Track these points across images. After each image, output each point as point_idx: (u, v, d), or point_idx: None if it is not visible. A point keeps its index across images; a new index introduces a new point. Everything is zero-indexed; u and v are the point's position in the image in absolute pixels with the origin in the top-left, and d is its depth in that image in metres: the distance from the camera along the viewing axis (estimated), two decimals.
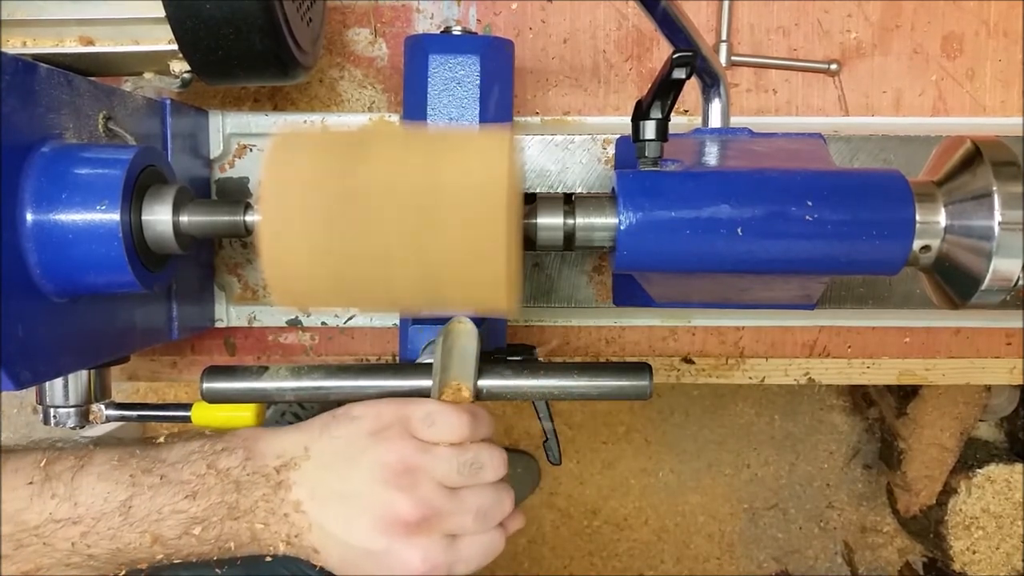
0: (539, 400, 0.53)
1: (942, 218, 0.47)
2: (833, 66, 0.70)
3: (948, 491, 1.46)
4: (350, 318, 0.72)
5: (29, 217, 0.45)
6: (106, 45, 0.52)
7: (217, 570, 0.49)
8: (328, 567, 0.46)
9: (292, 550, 0.46)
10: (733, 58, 0.70)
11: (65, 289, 0.47)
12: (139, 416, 0.62)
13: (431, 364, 0.50)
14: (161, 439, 0.49)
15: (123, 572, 0.47)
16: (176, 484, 0.45)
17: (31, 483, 0.45)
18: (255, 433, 0.48)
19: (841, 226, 0.46)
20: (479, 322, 0.56)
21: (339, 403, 0.50)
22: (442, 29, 0.58)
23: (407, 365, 0.52)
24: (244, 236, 0.51)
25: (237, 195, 0.68)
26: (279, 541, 0.45)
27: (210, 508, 0.45)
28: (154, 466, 0.46)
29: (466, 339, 0.49)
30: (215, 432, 0.49)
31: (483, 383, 0.49)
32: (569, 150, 0.66)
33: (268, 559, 0.47)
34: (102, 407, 0.60)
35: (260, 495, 0.45)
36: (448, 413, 0.46)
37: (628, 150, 0.55)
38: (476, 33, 0.64)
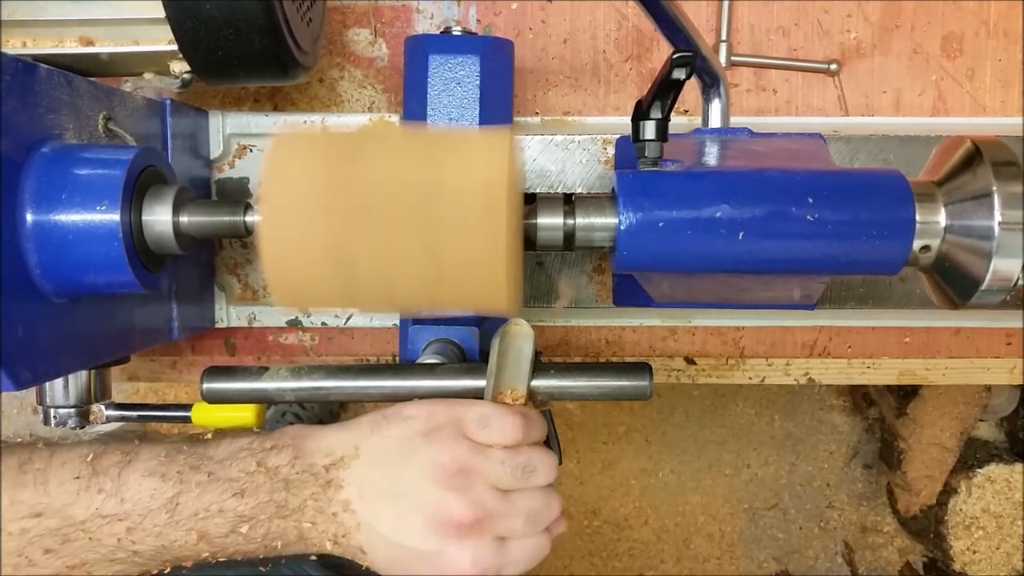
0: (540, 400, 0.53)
1: (942, 218, 0.47)
2: (833, 66, 0.70)
3: (948, 491, 1.46)
4: (349, 318, 0.72)
5: (29, 217, 0.45)
6: (106, 46, 0.52)
7: (265, 569, 0.49)
8: (375, 567, 0.46)
9: (339, 549, 0.46)
10: (733, 58, 0.70)
11: (65, 289, 0.47)
12: (139, 416, 0.62)
13: (439, 364, 0.50)
14: (209, 435, 0.48)
15: (168, 569, 0.47)
16: (224, 482, 0.45)
17: (78, 477, 0.44)
18: (304, 431, 0.48)
19: (841, 226, 0.46)
20: (479, 321, 0.56)
21: (340, 403, 0.50)
22: (442, 29, 0.59)
23: (410, 365, 0.52)
24: (244, 236, 0.51)
25: (237, 195, 0.68)
26: (326, 540, 0.45)
27: (258, 506, 0.45)
28: (201, 463, 0.46)
29: (522, 341, 0.49)
30: (263, 430, 0.49)
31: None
32: (569, 150, 0.66)
33: (313, 558, 0.46)
34: (102, 407, 0.60)
35: (309, 494, 0.45)
36: (503, 416, 0.46)
37: (628, 150, 0.55)
38: (476, 33, 0.64)
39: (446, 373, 0.50)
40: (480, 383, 0.49)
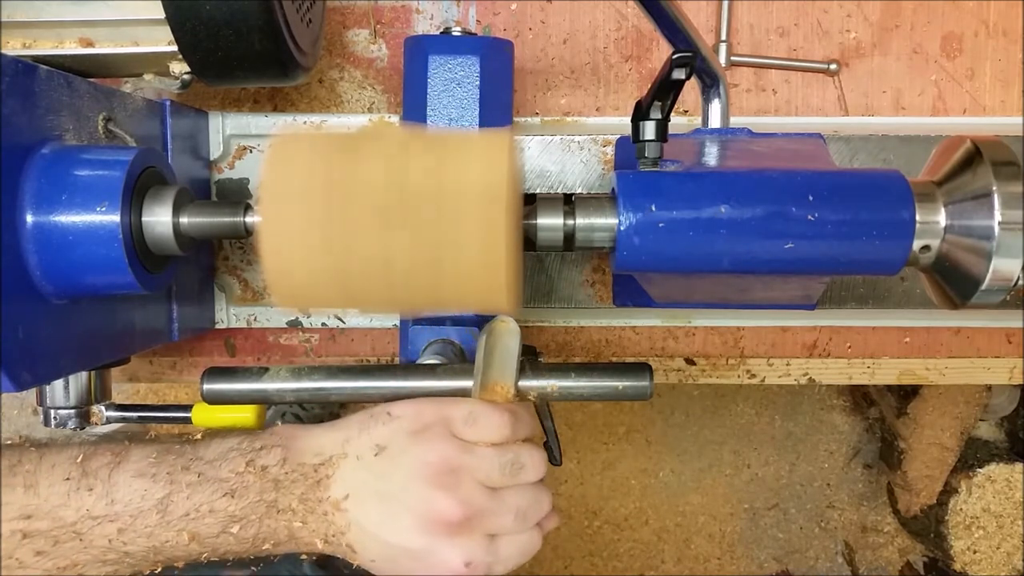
0: (540, 401, 0.53)
1: (942, 218, 0.47)
2: (833, 66, 0.70)
3: (949, 491, 1.46)
4: (341, 317, 0.72)
5: (29, 219, 0.45)
6: (106, 47, 0.52)
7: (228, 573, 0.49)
8: (365, 566, 0.46)
9: (330, 548, 0.46)
10: (733, 58, 0.70)
11: (65, 290, 0.47)
12: (139, 417, 0.62)
13: (439, 364, 0.50)
14: (199, 436, 0.48)
15: (159, 569, 0.47)
16: (214, 482, 0.45)
17: (68, 479, 0.45)
18: (293, 431, 0.48)
19: (841, 226, 0.46)
20: (479, 322, 0.56)
21: (341, 404, 0.50)
22: (442, 30, 0.58)
23: (410, 366, 0.52)
24: (244, 237, 0.51)
25: (237, 196, 0.68)
26: (317, 539, 0.45)
27: (248, 506, 0.45)
28: (192, 463, 0.46)
29: (508, 338, 0.49)
30: (253, 430, 0.49)
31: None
32: (569, 151, 0.66)
33: (304, 558, 0.46)
34: (102, 408, 0.60)
35: (299, 493, 0.45)
36: (490, 413, 0.46)
37: (628, 150, 0.55)
38: (475, 34, 0.64)
39: (446, 374, 0.50)
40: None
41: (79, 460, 0.45)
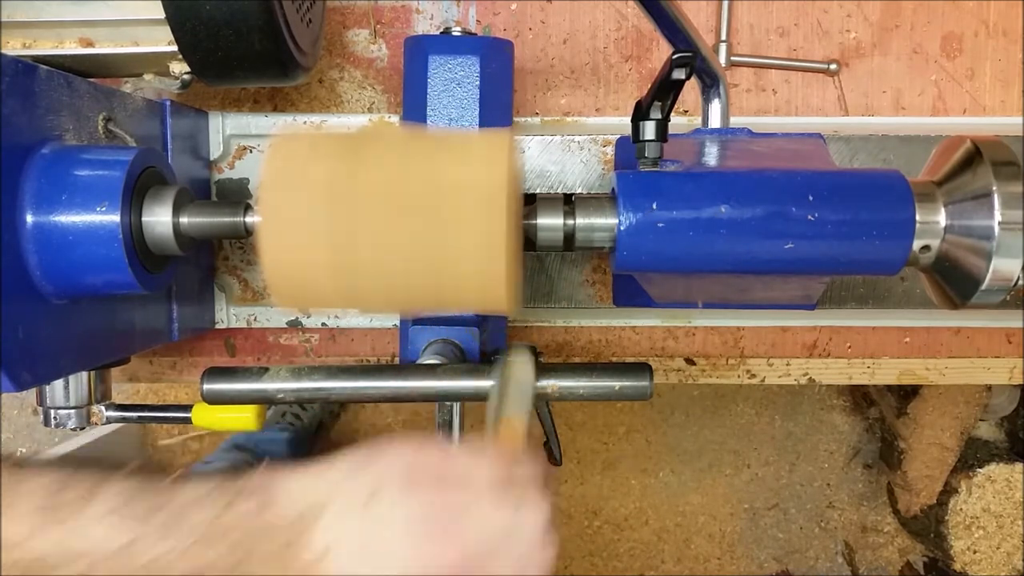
0: (539, 401, 0.53)
1: (942, 218, 0.47)
2: (833, 66, 0.70)
3: (949, 491, 1.46)
4: (337, 316, 0.72)
5: (29, 219, 0.45)
6: (106, 47, 0.52)
7: None
8: None
9: None
10: (733, 58, 0.70)
11: (65, 290, 0.47)
12: (139, 417, 0.62)
13: (439, 364, 0.50)
14: (178, 472, 0.46)
15: None
16: (187, 527, 0.42)
17: (41, 508, 0.42)
18: (273, 476, 0.45)
19: (841, 226, 0.46)
20: (479, 322, 0.56)
21: (341, 404, 0.49)
22: (442, 30, 0.59)
23: (410, 366, 0.52)
24: (244, 237, 0.51)
25: (237, 196, 0.68)
26: None
27: (219, 557, 0.42)
28: (165, 505, 0.43)
29: (523, 373, 0.48)
30: (230, 474, 0.47)
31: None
32: (569, 151, 0.66)
33: None
34: (102, 408, 0.60)
35: (278, 544, 0.42)
36: (488, 457, 0.44)
37: (628, 150, 0.55)
38: (475, 34, 0.64)
39: (446, 374, 0.50)
40: (478, 383, 0.49)
41: (54, 490, 0.43)
